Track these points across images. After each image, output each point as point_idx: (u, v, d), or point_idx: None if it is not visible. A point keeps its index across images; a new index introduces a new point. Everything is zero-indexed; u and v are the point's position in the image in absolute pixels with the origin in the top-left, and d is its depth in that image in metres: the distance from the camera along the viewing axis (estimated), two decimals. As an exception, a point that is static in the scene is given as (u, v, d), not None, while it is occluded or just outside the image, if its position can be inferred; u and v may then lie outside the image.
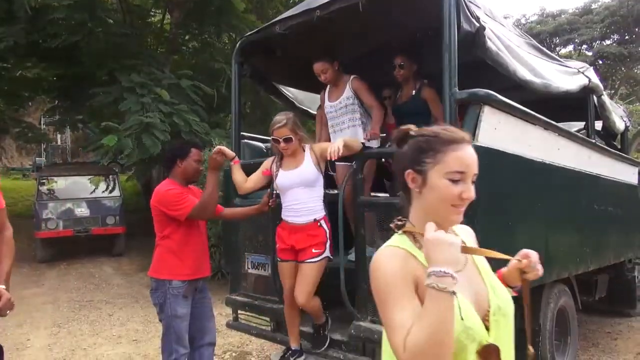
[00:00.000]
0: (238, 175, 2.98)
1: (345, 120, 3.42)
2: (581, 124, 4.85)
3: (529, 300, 1.24)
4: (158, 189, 2.88)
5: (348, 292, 2.79)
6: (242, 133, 3.79)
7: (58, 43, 8.56)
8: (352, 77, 3.39)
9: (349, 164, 3.04)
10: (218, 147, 2.86)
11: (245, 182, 2.98)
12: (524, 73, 3.06)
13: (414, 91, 3.53)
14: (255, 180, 2.99)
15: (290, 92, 4.47)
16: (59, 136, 24.52)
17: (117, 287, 7.64)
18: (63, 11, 7.97)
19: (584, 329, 4.95)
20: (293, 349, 2.99)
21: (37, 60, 10.29)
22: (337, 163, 3.39)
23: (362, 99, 3.37)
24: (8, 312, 1.91)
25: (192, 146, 2.98)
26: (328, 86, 3.54)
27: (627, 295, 5.37)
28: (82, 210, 9.41)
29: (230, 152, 2.92)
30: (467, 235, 1.32)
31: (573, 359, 3.58)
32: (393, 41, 3.93)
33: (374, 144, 3.30)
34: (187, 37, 11.40)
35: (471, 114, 2.50)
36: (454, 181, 1.08)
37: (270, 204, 2.98)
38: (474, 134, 2.46)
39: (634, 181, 5.12)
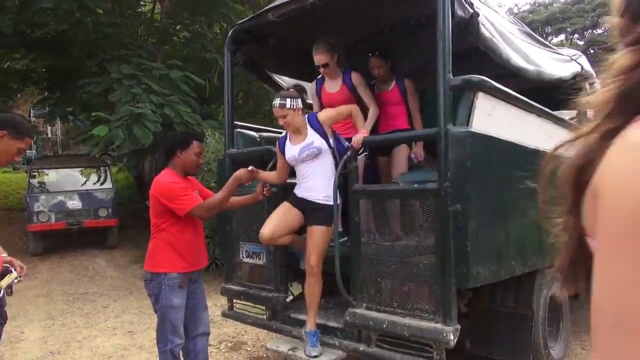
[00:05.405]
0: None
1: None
2: (574, 112, 4.87)
3: None
4: (159, 179, 2.82)
5: (343, 279, 2.80)
6: (235, 122, 3.77)
7: (46, 32, 8.44)
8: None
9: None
10: (251, 167, 2.90)
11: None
12: (517, 60, 3.07)
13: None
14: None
15: (283, 80, 4.44)
16: (49, 128, 24.24)
17: (111, 279, 7.60)
18: (51, 0, 7.84)
19: (576, 314, 4.99)
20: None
21: (25, 51, 10.15)
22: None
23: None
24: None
25: (193, 138, 2.95)
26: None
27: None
28: (74, 203, 9.32)
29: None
30: None
31: (565, 344, 3.63)
32: (386, 29, 3.92)
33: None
34: (178, 27, 11.27)
35: (465, 100, 2.50)
36: None
37: (265, 192, 2.98)
38: (467, 120, 2.47)
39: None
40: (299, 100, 2.90)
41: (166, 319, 2.76)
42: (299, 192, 3.02)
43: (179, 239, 2.78)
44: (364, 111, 3.40)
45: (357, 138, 2.86)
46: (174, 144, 2.90)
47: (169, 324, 2.75)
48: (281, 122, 2.90)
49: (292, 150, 2.97)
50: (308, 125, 2.97)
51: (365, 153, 3.19)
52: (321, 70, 3.44)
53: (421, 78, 3.82)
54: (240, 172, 2.85)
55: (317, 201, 2.93)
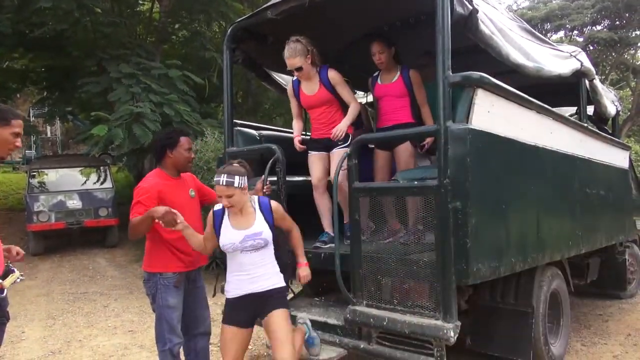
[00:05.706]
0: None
1: None
2: (573, 109, 4.87)
3: None
4: (144, 178, 2.85)
5: (343, 277, 2.80)
6: (234, 121, 3.76)
7: (44, 32, 8.43)
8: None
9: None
10: (176, 211, 2.53)
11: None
12: (517, 57, 3.06)
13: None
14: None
15: (282, 78, 4.43)
16: (48, 128, 24.23)
17: (112, 278, 7.61)
18: (49, 0, 7.82)
19: (576, 311, 5.01)
20: None
21: (24, 51, 10.14)
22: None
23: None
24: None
25: (179, 135, 2.88)
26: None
27: (618, 278, 5.45)
28: (74, 202, 9.32)
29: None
30: None
31: (565, 341, 3.63)
32: (385, 26, 3.91)
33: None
34: (176, 26, 11.26)
35: (464, 97, 2.50)
36: None
37: (264, 190, 2.96)
38: (467, 117, 2.46)
39: (625, 165, 5.16)
40: (246, 178, 2.44)
41: (162, 318, 2.76)
42: (242, 288, 2.47)
43: (173, 239, 2.75)
44: (345, 108, 3.30)
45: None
46: (163, 144, 2.86)
47: (166, 324, 2.75)
48: (225, 202, 2.40)
49: (232, 235, 2.44)
50: (257, 210, 2.51)
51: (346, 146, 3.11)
52: (295, 74, 3.26)
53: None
54: (159, 209, 2.52)
55: (269, 288, 2.48)
